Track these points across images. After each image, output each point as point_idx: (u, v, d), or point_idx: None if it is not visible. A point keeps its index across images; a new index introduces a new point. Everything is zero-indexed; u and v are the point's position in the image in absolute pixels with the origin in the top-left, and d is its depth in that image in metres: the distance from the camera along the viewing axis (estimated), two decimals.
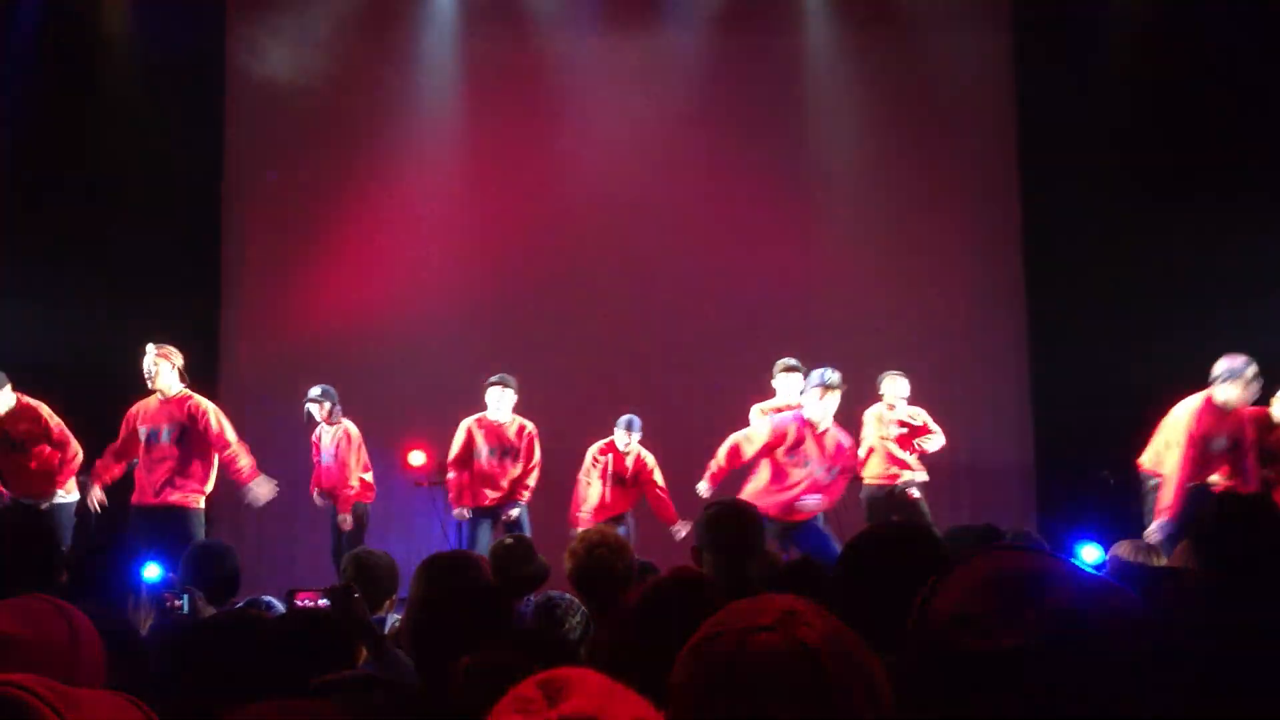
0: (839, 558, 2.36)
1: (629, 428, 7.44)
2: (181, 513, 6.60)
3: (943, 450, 7.46)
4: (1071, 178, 8.63)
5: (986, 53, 9.24)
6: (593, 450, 7.54)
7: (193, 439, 6.66)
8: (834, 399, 6.36)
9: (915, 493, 7.27)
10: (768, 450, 6.43)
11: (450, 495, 7.55)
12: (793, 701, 1.14)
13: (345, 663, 2.66)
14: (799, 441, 6.38)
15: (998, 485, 8.62)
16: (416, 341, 8.82)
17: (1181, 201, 8.10)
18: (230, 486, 6.94)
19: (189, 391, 6.76)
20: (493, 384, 7.49)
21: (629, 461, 7.52)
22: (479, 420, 7.54)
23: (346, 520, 7.47)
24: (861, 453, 7.30)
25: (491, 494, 7.49)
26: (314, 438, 7.69)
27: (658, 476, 7.56)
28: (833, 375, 6.35)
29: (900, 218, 9.06)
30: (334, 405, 7.57)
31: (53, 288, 8.07)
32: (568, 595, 3.54)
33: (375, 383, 8.56)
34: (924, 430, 7.34)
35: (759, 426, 6.70)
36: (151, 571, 4.13)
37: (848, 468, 6.61)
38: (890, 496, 7.28)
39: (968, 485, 8.50)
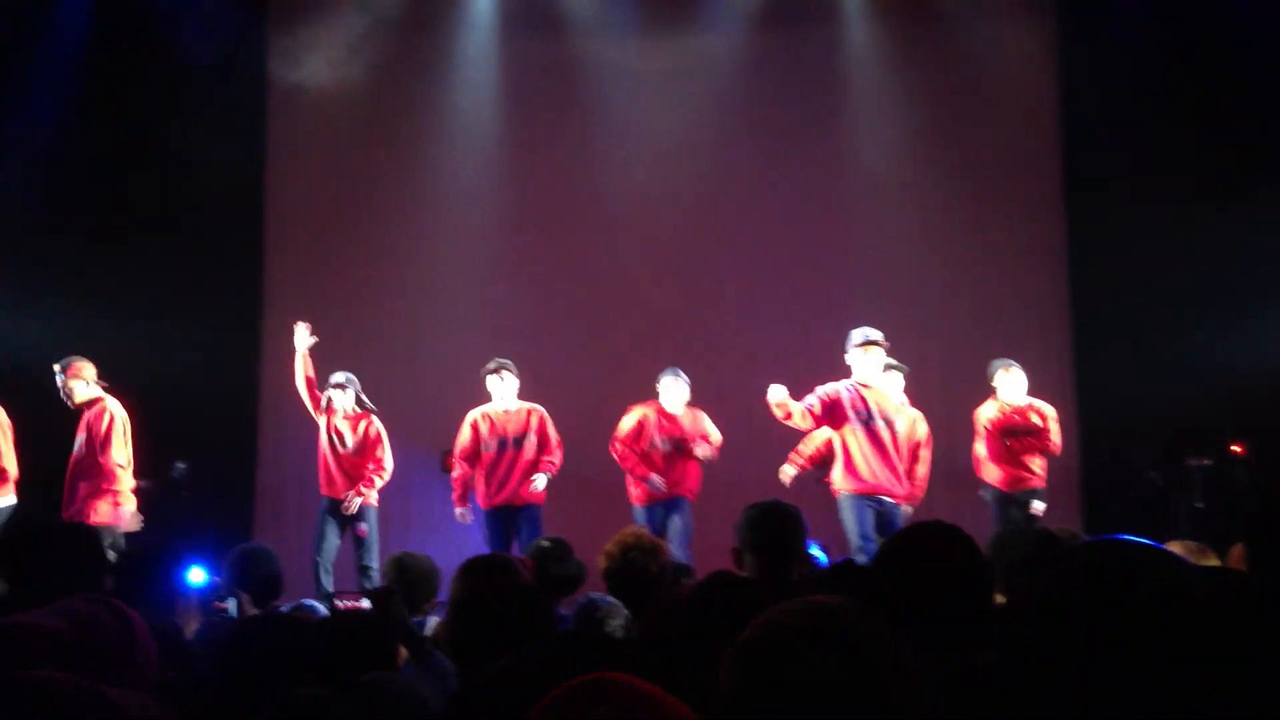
0: (877, 557, 2.35)
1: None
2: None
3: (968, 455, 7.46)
4: (1118, 173, 8.51)
5: (1030, 46, 9.13)
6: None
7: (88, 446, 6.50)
8: (879, 354, 6.49)
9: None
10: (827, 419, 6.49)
11: (455, 494, 7.34)
12: (838, 703, 1.15)
13: (386, 665, 2.68)
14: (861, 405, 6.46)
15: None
16: (457, 344, 8.86)
17: (1233, 196, 7.98)
18: (269, 493, 7.01)
19: (100, 394, 6.62)
20: (489, 372, 7.29)
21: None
22: (484, 414, 7.33)
23: (353, 504, 7.07)
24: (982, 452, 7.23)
25: (501, 492, 7.20)
26: (331, 427, 7.28)
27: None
28: (873, 331, 6.51)
29: (942, 217, 8.98)
30: (358, 394, 7.33)
31: (94, 297, 8.18)
32: (610, 597, 3.55)
33: (417, 385, 8.61)
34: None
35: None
36: (197, 575, 4.19)
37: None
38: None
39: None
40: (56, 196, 8.45)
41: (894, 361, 6.80)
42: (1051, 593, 1.14)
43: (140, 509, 6.79)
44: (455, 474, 7.36)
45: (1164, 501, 7.76)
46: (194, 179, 8.43)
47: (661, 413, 7.36)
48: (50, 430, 6.81)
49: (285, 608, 4.14)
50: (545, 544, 4.25)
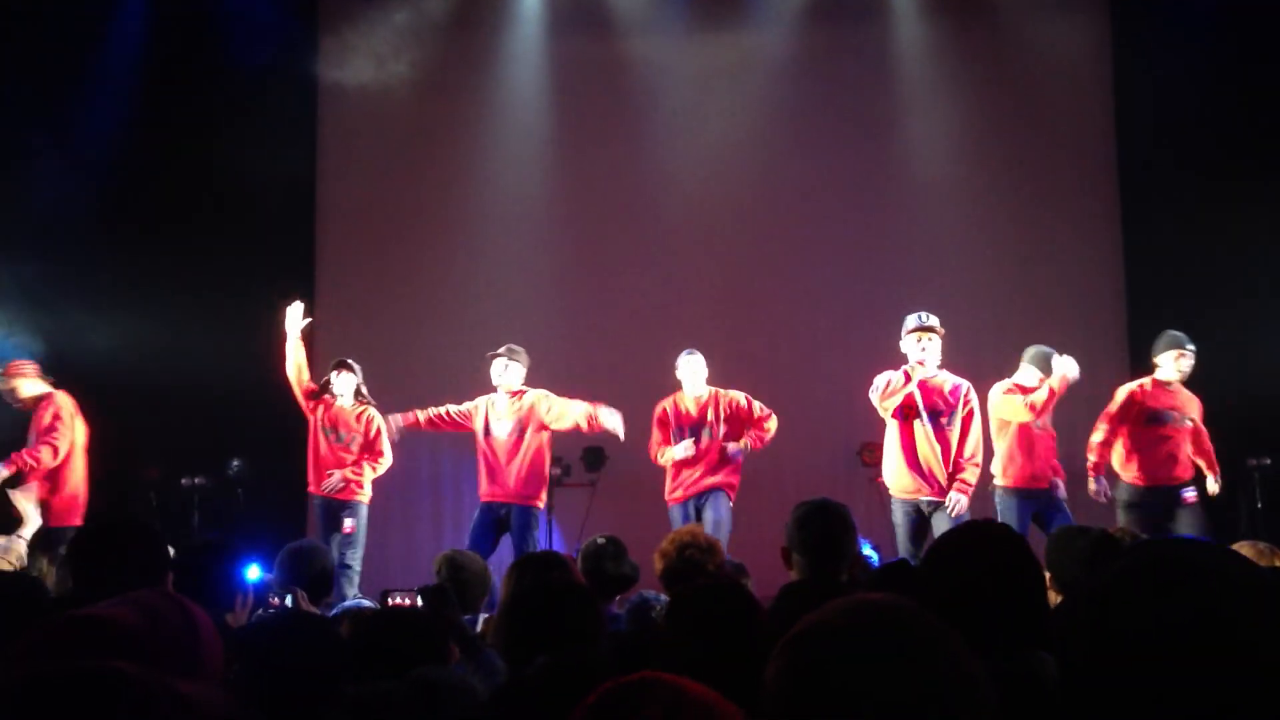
0: (927, 557, 2.33)
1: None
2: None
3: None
4: (1171, 168, 8.38)
5: (1082, 40, 9.02)
6: None
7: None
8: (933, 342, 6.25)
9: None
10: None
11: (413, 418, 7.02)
12: (889, 700, 1.13)
13: (439, 661, 2.71)
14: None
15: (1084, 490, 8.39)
16: (504, 340, 8.89)
17: None
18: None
19: (49, 390, 6.45)
20: (497, 355, 6.93)
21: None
22: (493, 402, 6.97)
23: (334, 483, 6.80)
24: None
25: (496, 488, 6.80)
26: (326, 417, 6.93)
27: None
28: (929, 316, 6.30)
29: (996, 215, 8.90)
30: (360, 383, 6.98)
31: (150, 300, 8.31)
32: (664, 596, 3.54)
33: (467, 386, 8.66)
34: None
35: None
36: (253, 572, 4.24)
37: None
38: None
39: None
40: (112, 201, 8.61)
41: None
42: (1108, 589, 1.13)
43: (197, 506, 6.89)
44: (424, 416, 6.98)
45: (1224, 502, 7.62)
46: (246, 181, 8.54)
47: (677, 403, 6.98)
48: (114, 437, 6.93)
49: (340, 606, 4.19)
50: (601, 541, 4.25)
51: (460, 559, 4.10)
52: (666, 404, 6.99)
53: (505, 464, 6.80)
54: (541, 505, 6.89)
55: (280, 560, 4.37)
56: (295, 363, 6.92)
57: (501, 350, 6.94)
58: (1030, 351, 6.71)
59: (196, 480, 8.04)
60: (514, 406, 6.90)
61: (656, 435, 6.96)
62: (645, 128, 9.20)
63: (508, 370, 6.90)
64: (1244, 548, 3.97)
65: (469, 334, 8.97)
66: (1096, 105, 8.98)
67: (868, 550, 5.56)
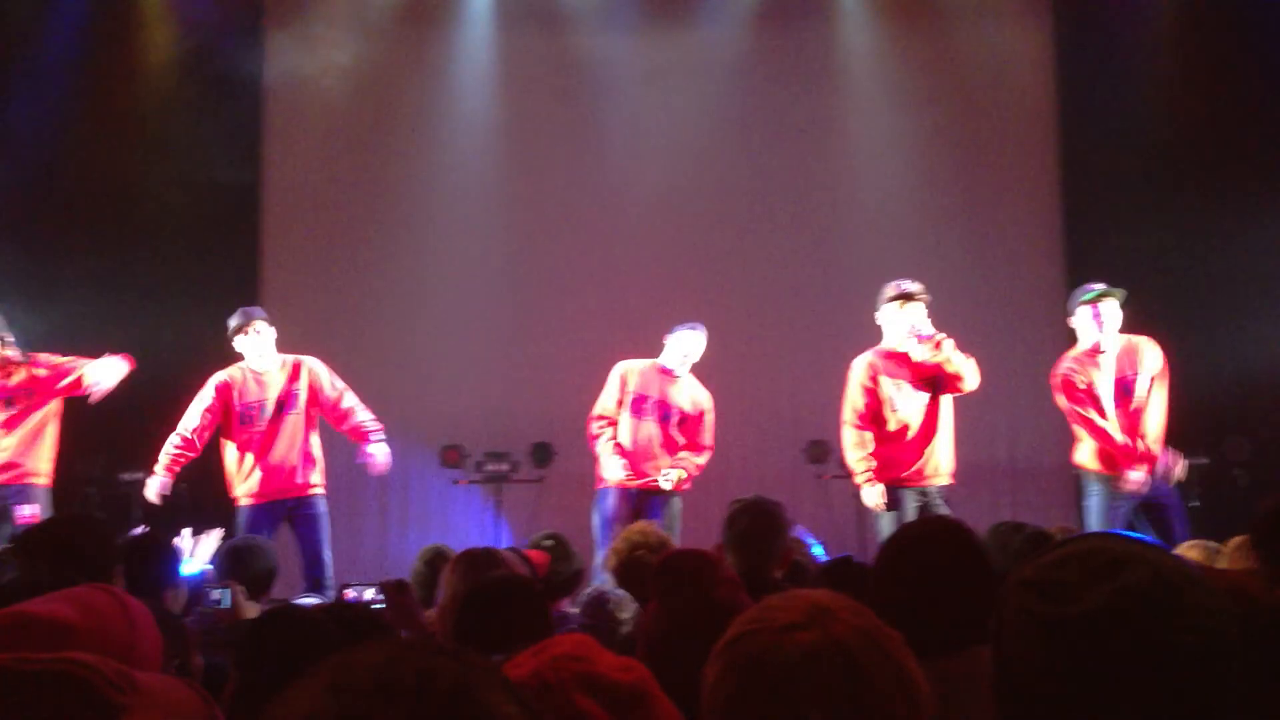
0: (878, 555, 2.36)
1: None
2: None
3: (980, 449, 7.41)
4: (1114, 173, 8.54)
5: (1026, 45, 9.17)
6: None
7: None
8: (915, 310, 5.76)
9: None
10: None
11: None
12: (826, 701, 1.14)
13: None
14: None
15: (1039, 484, 8.54)
16: (454, 338, 8.87)
17: (1231, 198, 8.01)
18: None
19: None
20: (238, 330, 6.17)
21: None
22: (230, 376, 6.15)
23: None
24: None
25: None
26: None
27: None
28: (909, 283, 5.82)
29: (939, 214, 9.01)
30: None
31: (90, 297, 8.15)
32: (621, 590, 3.56)
33: (415, 383, 8.62)
34: None
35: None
36: (190, 566, 4.19)
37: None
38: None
39: (1007, 484, 8.45)
40: (47, 196, 8.44)
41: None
42: (1034, 580, 1.15)
43: (137, 502, 6.78)
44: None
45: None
46: (188, 177, 8.43)
47: (660, 370, 6.41)
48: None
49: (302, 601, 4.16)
50: (547, 542, 4.24)
51: (447, 553, 4.02)
52: (631, 372, 6.48)
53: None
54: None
55: (223, 554, 4.32)
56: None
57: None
58: None
59: (137, 476, 7.91)
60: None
61: (608, 408, 6.40)
62: (594, 125, 9.20)
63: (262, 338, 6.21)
64: (1192, 549, 4.03)
65: (416, 332, 8.93)
66: (1040, 109, 9.12)
67: (817, 549, 5.60)
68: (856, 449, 5.87)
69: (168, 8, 8.72)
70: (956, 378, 5.86)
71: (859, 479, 5.86)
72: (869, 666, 1.16)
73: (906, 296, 5.83)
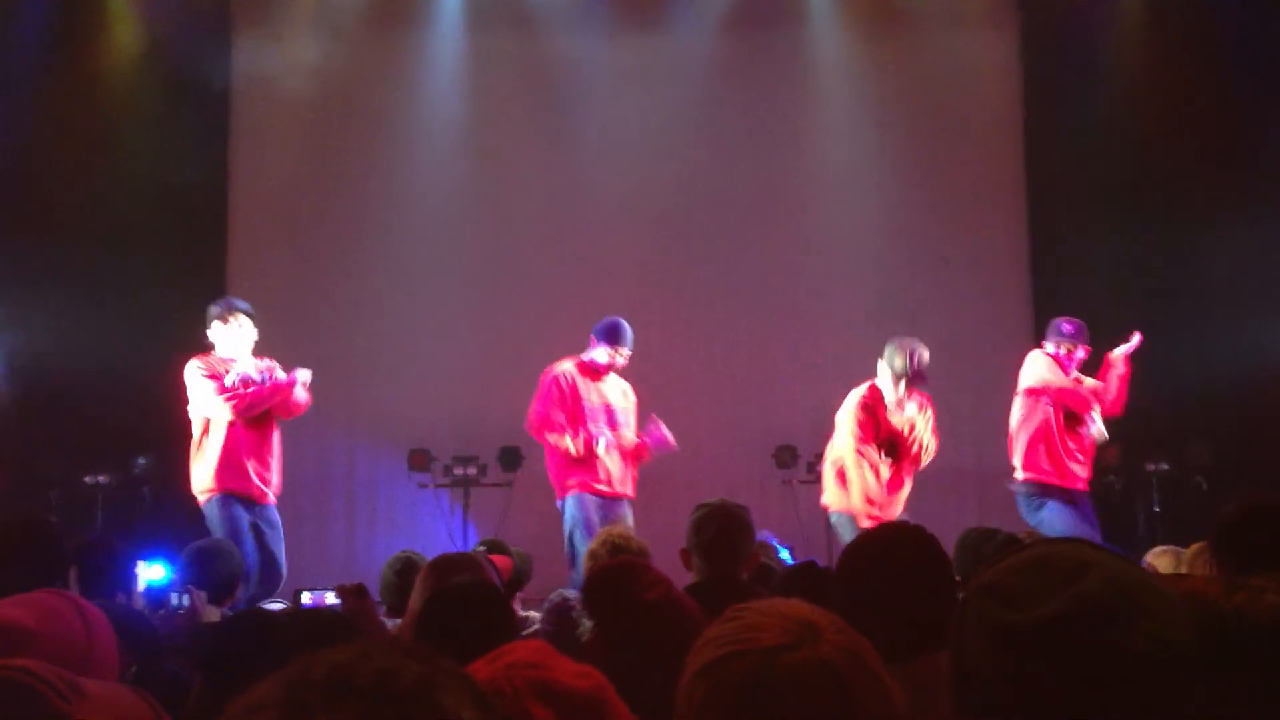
0: (839, 560, 2.36)
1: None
2: None
3: (946, 455, 7.45)
4: (1079, 182, 8.63)
5: (993, 54, 9.26)
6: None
7: None
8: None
9: None
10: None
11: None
12: (795, 710, 1.14)
13: None
14: None
15: (1005, 490, 8.59)
16: (422, 342, 8.84)
17: (1193, 203, 8.11)
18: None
19: None
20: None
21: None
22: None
23: None
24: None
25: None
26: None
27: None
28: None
29: (907, 220, 9.06)
30: None
31: (53, 296, 8.05)
32: None
33: (383, 386, 8.58)
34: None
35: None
36: (157, 572, 4.14)
37: None
38: None
39: (973, 489, 8.50)
40: (12, 195, 8.33)
41: None
42: (992, 586, 1.15)
43: (101, 504, 6.70)
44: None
45: (1122, 506, 7.86)
46: (155, 175, 8.33)
47: (584, 368, 6.30)
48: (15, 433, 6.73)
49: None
50: (480, 548, 4.21)
51: (419, 561, 3.99)
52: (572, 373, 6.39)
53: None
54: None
55: (185, 558, 4.27)
56: None
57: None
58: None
59: (100, 478, 7.83)
60: None
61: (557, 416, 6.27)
62: (563, 128, 9.19)
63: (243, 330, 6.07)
64: (1163, 555, 4.04)
65: (384, 335, 8.88)
66: (1007, 117, 9.21)
67: (784, 554, 5.62)
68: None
69: (132, 9, 8.63)
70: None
71: None
72: (858, 687, 1.17)
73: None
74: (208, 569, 4.17)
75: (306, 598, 3.30)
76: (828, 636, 1.19)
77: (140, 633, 2.30)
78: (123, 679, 1.35)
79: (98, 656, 1.40)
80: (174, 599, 3.52)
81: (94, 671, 1.37)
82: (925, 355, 6.11)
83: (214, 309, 6.07)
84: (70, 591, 1.52)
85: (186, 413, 6.03)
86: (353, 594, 2.84)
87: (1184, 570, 3.86)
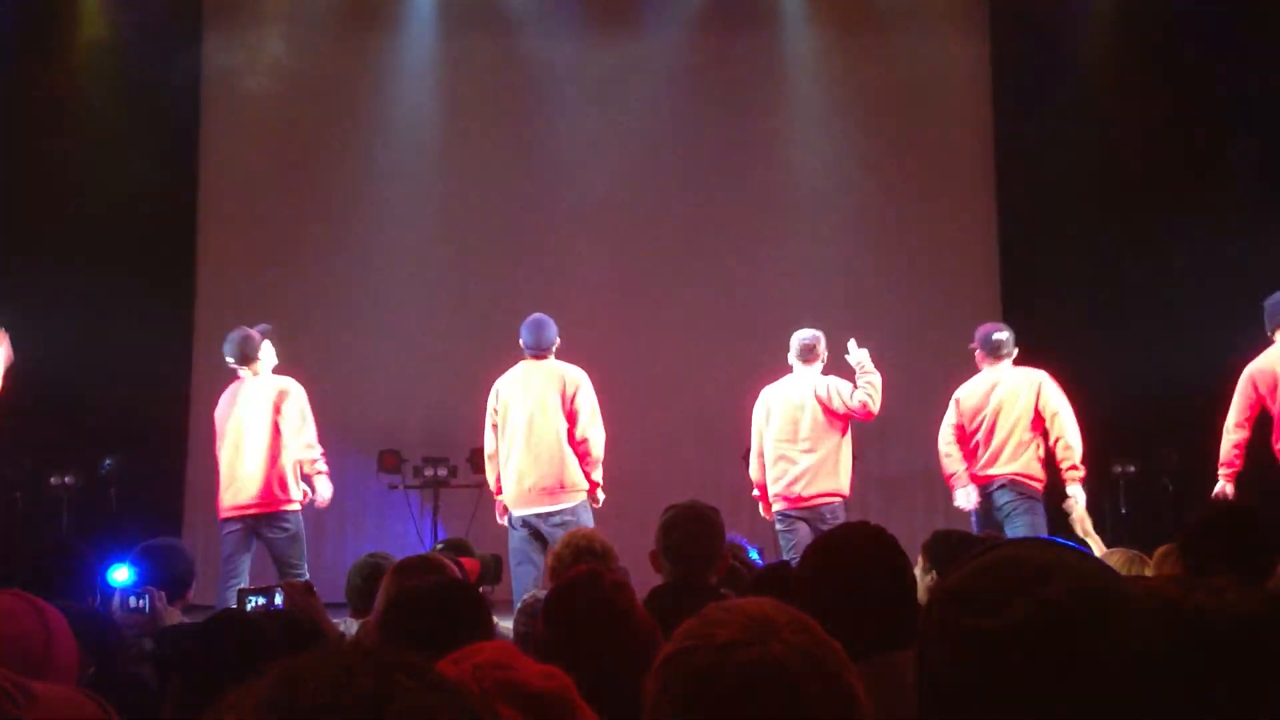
0: (800, 560, 2.37)
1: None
2: None
3: (913, 457, 7.50)
4: (1049, 187, 8.70)
5: (963, 56, 9.33)
6: None
7: None
8: None
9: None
10: None
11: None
12: (771, 717, 1.15)
13: None
14: None
15: None
16: (392, 342, 8.80)
17: (1163, 205, 8.18)
18: (199, 492, 6.85)
19: None
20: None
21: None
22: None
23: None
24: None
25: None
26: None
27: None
28: None
29: (879, 221, 9.13)
30: None
31: (19, 296, 7.96)
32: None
33: (353, 387, 8.53)
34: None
35: None
36: (123, 574, 4.09)
37: None
38: None
39: (942, 491, 8.54)
40: None
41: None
42: (958, 588, 1.15)
43: (67, 506, 6.62)
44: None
45: (1089, 508, 7.91)
46: (124, 178, 8.27)
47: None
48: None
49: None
50: (441, 546, 4.19)
51: (386, 563, 3.95)
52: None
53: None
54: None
55: (137, 556, 4.20)
56: None
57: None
58: None
59: (66, 479, 7.75)
60: None
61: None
62: (536, 129, 9.19)
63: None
64: (1115, 555, 4.09)
65: (355, 336, 8.84)
66: (977, 120, 9.28)
67: (753, 555, 5.62)
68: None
69: (102, 6, 8.54)
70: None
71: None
72: (808, 687, 1.16)
73: None
74: (161, 565, 4.12)
75: (253, 601, 3.19)
76: (783, 635, 1.19)
77: (101, 634, 2.27)
78: (81, 681, 1.33)
79: (57, 658, 1.38)
80: (133, 600, 3.47)
81: (53, 673, 1.35)
82: None
83: (259, 331, 6.22)
84: (29, 594, 1.50)
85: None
86: (300, 591, 2.81)
87: (1148, 573, 3.89)
